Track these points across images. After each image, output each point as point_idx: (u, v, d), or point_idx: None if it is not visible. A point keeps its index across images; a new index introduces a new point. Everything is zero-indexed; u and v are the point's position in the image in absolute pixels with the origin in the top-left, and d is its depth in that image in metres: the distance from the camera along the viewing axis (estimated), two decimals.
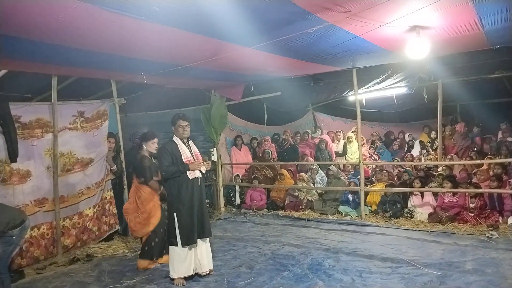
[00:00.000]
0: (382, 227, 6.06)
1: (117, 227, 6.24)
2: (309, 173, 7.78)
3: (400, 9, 3.56)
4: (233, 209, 7.98)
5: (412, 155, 8.23)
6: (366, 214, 6.60)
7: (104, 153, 6.05)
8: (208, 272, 4.41)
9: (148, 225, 4.73)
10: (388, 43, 4.80)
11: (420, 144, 8.78)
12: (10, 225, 3.64)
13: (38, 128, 5.32)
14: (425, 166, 7.47)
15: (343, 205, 7.00)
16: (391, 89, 8.43)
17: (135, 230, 4.84)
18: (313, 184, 7.64)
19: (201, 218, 4.33)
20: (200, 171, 4.35)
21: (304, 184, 7.48)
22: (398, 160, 7.89)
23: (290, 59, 5.34)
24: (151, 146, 4.85)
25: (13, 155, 4.97)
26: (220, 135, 8.05)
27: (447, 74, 7.27)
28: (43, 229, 5.32)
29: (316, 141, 8.99)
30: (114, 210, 6.18)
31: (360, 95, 7.77)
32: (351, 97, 8.87)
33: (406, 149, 8.98)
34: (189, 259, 4.26)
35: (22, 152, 5.07)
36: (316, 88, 8.43)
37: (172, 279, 4.26)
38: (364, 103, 8.64)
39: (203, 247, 4.37)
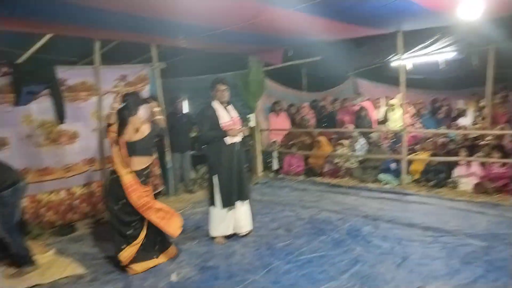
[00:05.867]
0: (424, 196, 5.91)
1: (162, 187, 6.45)
2: (349, 140, 7.65)
3: None
4: (271, 174, 8.04)
5: (458, 124, 7.88)
6: (407, 183, 6.45)
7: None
8: (247, 233, 4.53)
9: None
10: (438, 3, 4.49)
11: (467, 112, 8.38)
12: None
13: (83, 91, 5.50)
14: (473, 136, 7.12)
15: (384, 173, 6.86)
16: (438, 54, 8.02)
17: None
18: (353, 151, 7.52)
19: (240, 181, 4.41)
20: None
21: (345, 149, 7.37)
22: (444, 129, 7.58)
23: (331, 21, 5.14)
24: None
25: (61, 116, 5.20)
26: (258, 101, 8.00)
27: (501, 38, 6.76)
28: (93, 187, 5.60)
29: (356, 108, 8.76)
30: (158, 171, 6.36)
31: (405, 60, 7.44)
32: (395, 63, 8.53)
33: (453, 117, 8.59)
34: (228, 219, 4.39)
35: (69, 114, 5.27)
36: (358, 53, 8.12)
37: (213, 238, 4.41)
38: (409, 68, 8.28)
39: (242, 209, 4.47)
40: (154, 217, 3.73)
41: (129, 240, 3.68)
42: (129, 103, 3.74)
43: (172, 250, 4.06)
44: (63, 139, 5.29)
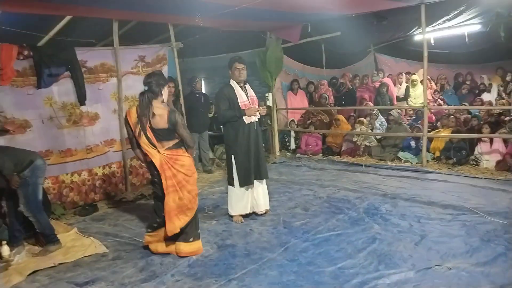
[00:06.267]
0: (444, 174, 5.81)
1: None
2: (368, 118, 7.54)
3: None
4: (288, 153, 8.03)
5: (482, 100, 7.63)
6: (427, 160, 6.34)
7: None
8: (264, 211, 4.58)
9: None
10: None
11: (491, 87, 8.08)
12: (18, 168, 3.58)
13: (103, 73, 5.56)
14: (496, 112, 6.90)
15: (403, 151, 6.76)
16: (463, 27, 7.71)
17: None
18: (372, 130, 7.42)
19: (258, 161, 4.43)
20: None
21: (363, 127, 7.27)
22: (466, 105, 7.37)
23: None
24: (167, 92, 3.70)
25: (81, 98, 5.28)
26: (275, 79, 7.92)
27: None
28: (114, 167, 5.73)
29: (377, 84, 8.59)
30: None
31: (428, 34, 7.18)
32: (417, 37, 8.26)
33: (476, 93, 8.32)
34: (246, 198, 4.44)
35: (90, 95, 5.35)
36: (379, 28, 7.87)
37: (231, 216, 4.49)
38: (432, 42, 8.01)
39: (260, 188, 4.51)
40: (171, 203, 3.53)
41: (156, 227, 3.69)
42: (152, 86, 3.51)
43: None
44: (84, 120, 5.40)
